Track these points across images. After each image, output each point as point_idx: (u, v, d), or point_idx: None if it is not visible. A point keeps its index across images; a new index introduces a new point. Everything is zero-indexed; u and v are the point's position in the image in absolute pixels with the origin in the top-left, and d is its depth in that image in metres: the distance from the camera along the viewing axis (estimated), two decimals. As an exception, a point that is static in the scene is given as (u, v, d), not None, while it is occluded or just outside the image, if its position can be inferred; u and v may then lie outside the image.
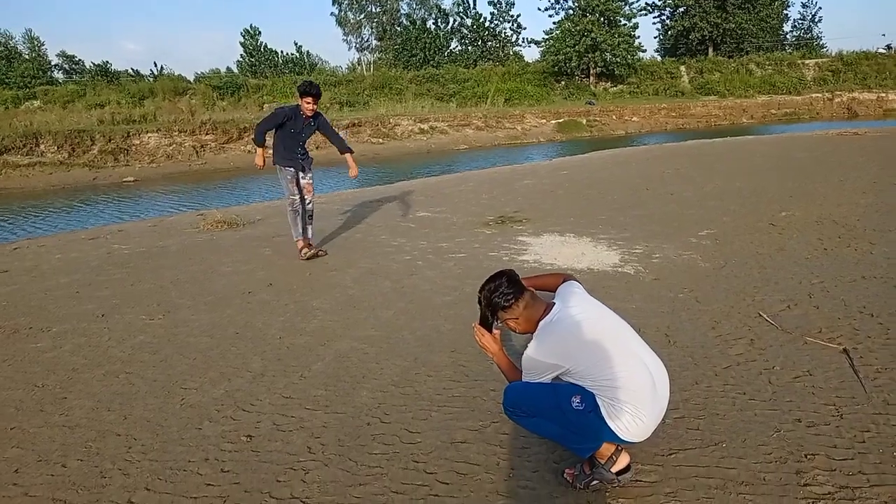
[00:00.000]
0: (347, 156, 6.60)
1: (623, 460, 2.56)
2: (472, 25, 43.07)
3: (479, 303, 2.64)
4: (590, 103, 31.32)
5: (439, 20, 44.41)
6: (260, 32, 48.41)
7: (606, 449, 2.52)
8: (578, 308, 2.57)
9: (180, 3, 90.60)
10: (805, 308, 4.51)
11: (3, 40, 47.10)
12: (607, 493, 2.56)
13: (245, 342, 4.33)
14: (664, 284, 5.23)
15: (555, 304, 2.59)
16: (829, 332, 4.05)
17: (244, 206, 11.09)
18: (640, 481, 2.63)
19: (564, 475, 2.66)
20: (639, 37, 36.96)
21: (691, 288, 5.10)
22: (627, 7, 37.00)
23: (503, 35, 43.66)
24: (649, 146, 19.69)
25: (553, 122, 26.98)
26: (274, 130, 6.34)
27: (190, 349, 4.23)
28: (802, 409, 3.13)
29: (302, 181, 6.45)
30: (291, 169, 6.37)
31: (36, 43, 47.77)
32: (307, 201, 6.55)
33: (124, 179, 17.47)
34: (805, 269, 5.43)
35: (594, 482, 2.57)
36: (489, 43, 43.42)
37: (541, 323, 2.53)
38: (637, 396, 2.43)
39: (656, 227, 7.29)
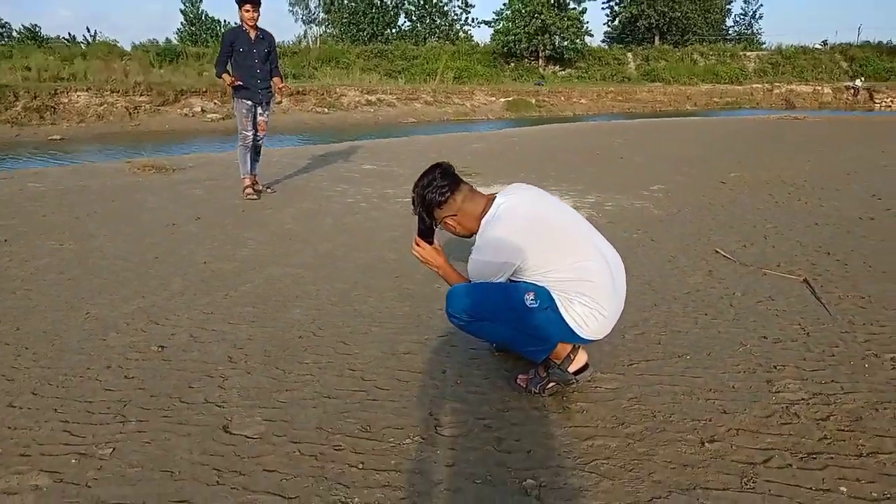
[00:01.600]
0: (276, 79, 6.08)
1: (580, 359, 2.30)
2: (421, 2, 42.43)
3: (413, 203, 2.32)
4: (538, 84, 31.30)
5: (388, -4, 43.65)
6: (201, 0, 46.58)
7: (562, 349, 2.26)
8: (525, 198, 2.30)
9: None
10: (762, 247, 4.39)
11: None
12: (564, 398, 2.31)
13: (165, 266, 3.91)
14: (618, 227, 5.05)
15: (496, 196, 2.29)
16: (788, 266, 3.92)
17: (176, 157, 10.43)
18: (601, 387, 2.39)
19: (518, 381, 2.39)
20: (588, 22, 37.12)
21: (645, 230, 4.93)
22: (577, -11, 37.10)
23: (451, 13, 43.23)
24: (598, 123, 19.72)
25: (502, 100, 26.75)
26: (232, 61, 5.85)
27: (102, 271, 3.78)
28: (767, 328, 2.95)
29: (259, 117, 6.02)
30: (248, 102, 5.91)
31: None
32: (259, 137, 6.12)
33: (50, 137, 16.35)
34: (758, 217, 5.34)
35: (550, 385, 2.31)
36: (438, 21, 42.89)
37: (483, 219, 2.24)
38: (596, 289, 2.18)
39: (607, 182, 7.13)
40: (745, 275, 3.79)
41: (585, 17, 36.91)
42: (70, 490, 1.78)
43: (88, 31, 34.70)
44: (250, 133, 5.98)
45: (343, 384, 2.40)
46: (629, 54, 39.06)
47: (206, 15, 46.39)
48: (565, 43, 35.95)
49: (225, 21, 46.16)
